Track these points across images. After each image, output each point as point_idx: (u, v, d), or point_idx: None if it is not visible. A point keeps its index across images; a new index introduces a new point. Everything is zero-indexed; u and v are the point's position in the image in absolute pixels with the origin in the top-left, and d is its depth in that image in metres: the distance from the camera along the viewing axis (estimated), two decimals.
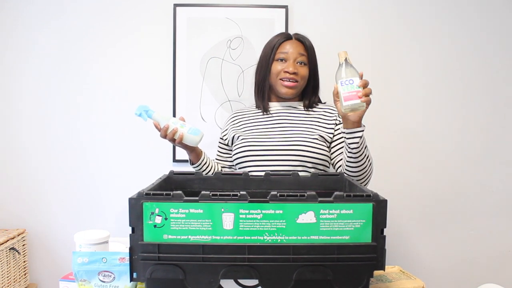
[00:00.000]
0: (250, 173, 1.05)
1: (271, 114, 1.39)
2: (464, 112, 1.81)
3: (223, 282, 0.77)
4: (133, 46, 1.77)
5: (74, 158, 1.80)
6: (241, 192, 0.74)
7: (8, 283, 1.63)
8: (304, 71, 1.34)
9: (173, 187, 0.99)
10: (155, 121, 1.21)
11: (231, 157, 1.41)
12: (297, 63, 1.33)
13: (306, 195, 0.74)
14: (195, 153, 1.32)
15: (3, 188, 1.80)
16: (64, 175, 1.80)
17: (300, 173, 1.05)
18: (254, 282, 0.78)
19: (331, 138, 1.32)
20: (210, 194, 0.74)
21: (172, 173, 1.00)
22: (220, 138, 1.46)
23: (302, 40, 1.36)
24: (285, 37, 1.37)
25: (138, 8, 1.76)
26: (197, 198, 0.74)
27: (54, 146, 1.80)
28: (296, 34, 1.39)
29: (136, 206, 0.74)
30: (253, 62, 1.75)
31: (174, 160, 1.79)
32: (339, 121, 1.34)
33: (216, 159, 1.46)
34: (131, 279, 0.76)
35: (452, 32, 1.79)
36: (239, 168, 1.35)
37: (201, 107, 1.78)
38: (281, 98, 1.39)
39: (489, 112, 1.81)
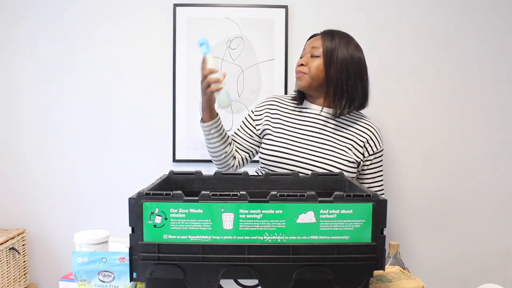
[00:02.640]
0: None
1: (306, 116, 1.35)
2: (464, 111, 1.81)
3: (223, 282, 0.77)
4: (133, 46, 1.77)
5: (74, 158, 1.80)
6: (241, 192, 0.74)
7: (8, 283, 1.63)
8: (314, 62, 1.28)
9: (173, 187, 0.99)
10: (206, 59, 1.20)
11: (251, 141, 1.38)
12: (311, 56, 1.30)
13: (306, 195, 0.74)
14: (210, 112, 1.27)
15: (3, 188, 1.80)
16: (64, 175, 1.80)
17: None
18: (254, 282, 0.78)
19: (362, 161, 1.31)
20: (210, 194, 0.74)
21: (172, 173, 1.00)
22: (253, 115, 1.40)
23: (323, 34, 1.31)
24: (313, 35, 1.35)
25: (138, 8, 1.76)
26: (197, 198, 0.74)
27: (54, 146, 1.80)
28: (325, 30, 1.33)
29: (136, 206, 0.74)
30: (252, 62, 1.76)
31: (174, 160, 1.79)
32: (375, 150, 1.33)
33: (235, 133, 1.41)
34: (131, 279, 0.76)
35: (452, 32, 1.79)
36: (262, 165, 1.34)
37: None
38: (313, 99, 1.35)
39: (489, 112, 1.81)
